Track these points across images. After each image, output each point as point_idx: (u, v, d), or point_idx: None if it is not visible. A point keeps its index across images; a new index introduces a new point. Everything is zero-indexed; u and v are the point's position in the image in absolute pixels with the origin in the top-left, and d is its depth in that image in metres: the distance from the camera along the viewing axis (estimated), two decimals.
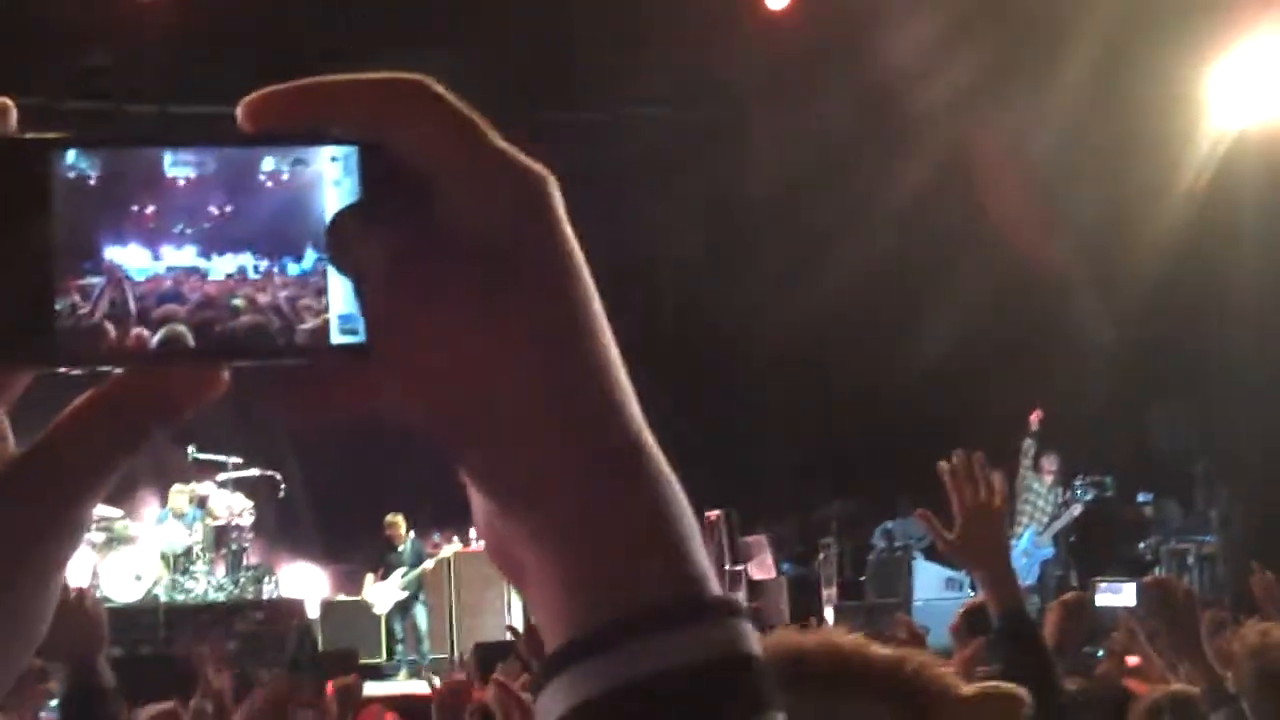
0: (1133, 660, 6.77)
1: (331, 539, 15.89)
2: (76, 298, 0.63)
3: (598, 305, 0.63)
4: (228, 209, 0.65)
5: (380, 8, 14.49)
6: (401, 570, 14.33)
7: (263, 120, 0.63)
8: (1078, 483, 14.43)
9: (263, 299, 0.64)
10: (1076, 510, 14.26)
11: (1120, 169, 14.14)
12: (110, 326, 0.63)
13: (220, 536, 14.54)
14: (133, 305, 0.63)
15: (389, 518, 14.43)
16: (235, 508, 14.57)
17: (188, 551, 14.18)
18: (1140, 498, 15.46)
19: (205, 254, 0.65)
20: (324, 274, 0.65)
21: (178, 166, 0.64)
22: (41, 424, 0.65)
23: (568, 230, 0.63)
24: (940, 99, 13.94)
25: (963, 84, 13.80)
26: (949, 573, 13.71)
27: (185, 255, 0.64)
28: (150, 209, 0.64)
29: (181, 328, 0.64)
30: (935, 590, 13.93)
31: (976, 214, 14.92)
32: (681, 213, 16.79)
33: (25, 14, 13.46)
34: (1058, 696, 3.07)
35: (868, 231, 14.70)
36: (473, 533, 14.71)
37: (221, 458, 14.62)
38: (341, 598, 15.17)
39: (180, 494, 14.29)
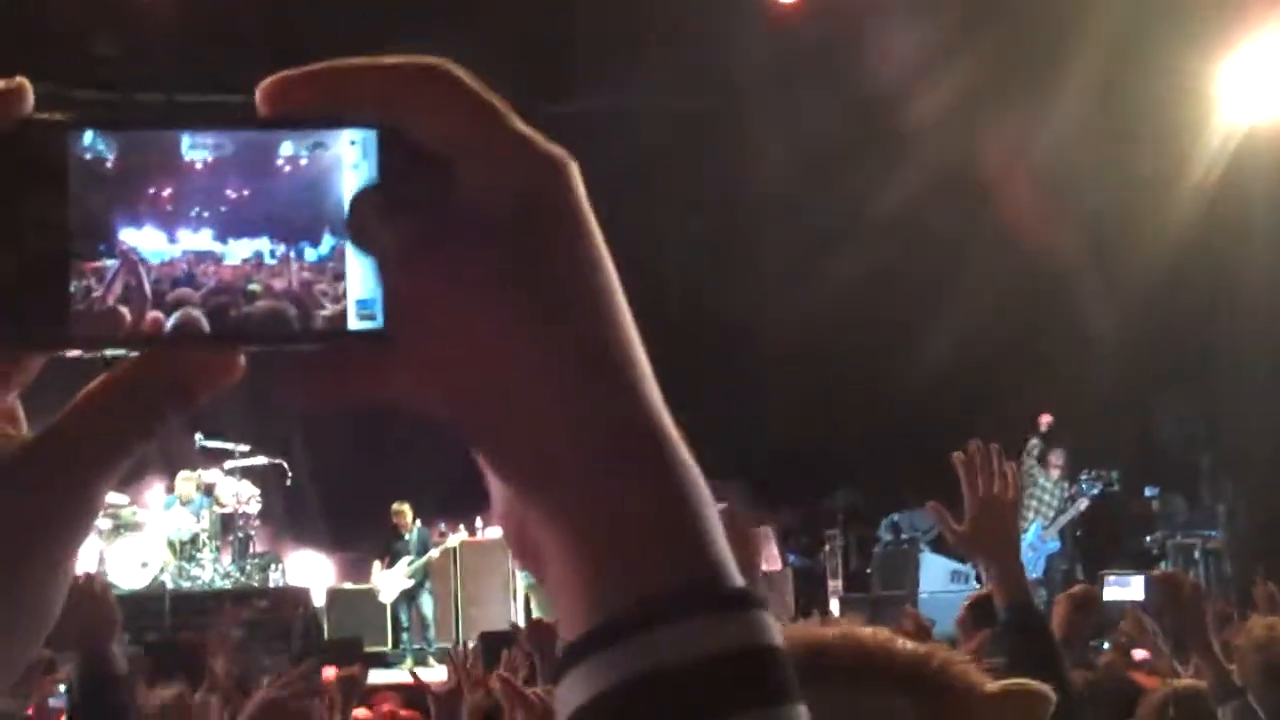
0: (1139, 654, 6.77)
1: (338, 527, 15.93)
2: (91, 280, 0.62)
3: (618, 289, 0.63)
4: (245, 193, 0.64)
5: None
6: (407, 559, 14.35)
7: (281, 103, 0.62)
8: (1083, 477, 14.42)
9: (279, 284, 0.64)
10: (1082, 504, 14.26)
11: (1130, 164, 14.13)
12: (125, 310, 0.62)
13: (227, 524, 14.59)
14: (148, 289, 0.63)
15: (395, 506, 14.46)
16: (242, 495, 14.61)
17: (194, 539, 14.22)
18: (1146, 492, 15.47)
19: (221, 238, 0.64)
20: (341, 259, 0.64)
21: (195, 149, 0.63)
22: (55, 408, 0.64)
23: (589, 214, 0.62)
24: (948, 93, 13.91)
25: (971, 79, 13.77)
26: (955, 565, 13.72)
27: (201, 239, 0.64)
28: (167, 192, 0.63)
29: (196, 312, 0.63)
30: (941, 583, 13.94)
31: (984, 208, 14.91)
32: (685, 204, 16.80)
33: (32, 3, 13.47)
34: (1065, 690, 3.07)
35: (874, 224, 14.68)
36: (479, 522, 14.85)
37: (229, 445, 14.66)
38: (347, 586, 15.20)
39: (187, 481, 14.32)
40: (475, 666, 5.28)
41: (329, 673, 7.19)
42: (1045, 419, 14.27)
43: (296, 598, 13.75)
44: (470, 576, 15.02)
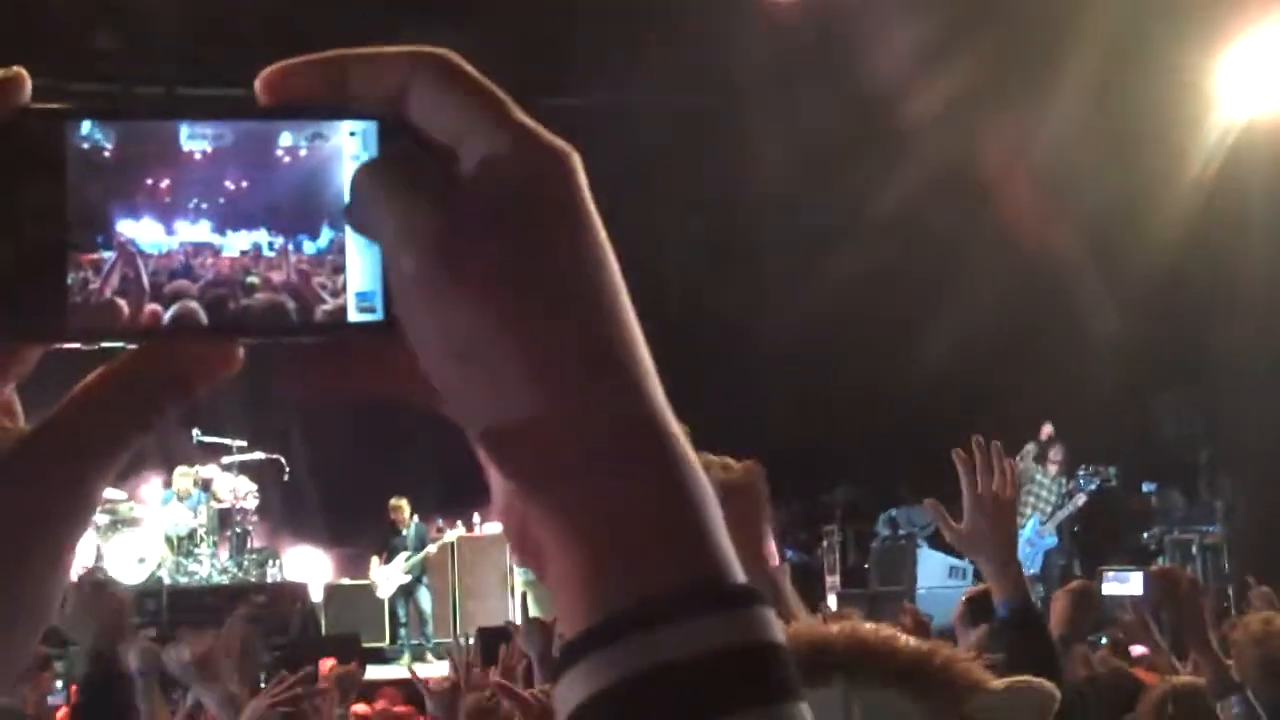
0: (1136, 649, 6.77)
1: (335, 522, 15.93)
2: (89, 272, 0.62)
3: (620, 283, 0.62)
4: (243, 184, 0.64)
5: None
6: (405, 554, 14.36)
7: (282, 92, 0.62)
8: (1081, 472, 14.41)
9: (277, 277, 0.63)
10: (1081, 500, 14.25)
11: (1128, 159, 14.11)
12: (122, 303, 0.62)
13: (224, 519, 14.58)
14: (146, 281, 0.62)
15: (393, 502, 14.46)
16: (240, 491, 14.61)
17: (192, 534, 14.22)
18: (1144, 487, 15.46)
19: (220, 230, 0.64)
20: (341, 252, 0.64)
21: (194, 140, 0.63)
22: (52, 401, 0.63)
23: (591, 207, 0.62)
24: (947, 91, 13.91)
25: (969, 77, 13.76)
26: (953, 561, 13.71)
27: (200, 231, 0.63)
28: (165, 183, 0.63)
29: (195, 304, 0.63)
30: (939, 579, 13.93)
31: (984, 205, 14.90)
32: (685, 203, 16.80)
33: None
34: (1062, 687, 3.06)
35: (873, 222, 14.68)
36: (476, 517, 14.85)
37: (226, 440, 14.65)
38: (345, 581, 15.20)
39: (185, 476, 14.32)
40: (474, 664, 5.27)
41: (327, 665, 7.20)
42: (1046, 430, 14.29)
43: (294, 593, 13.74)
44: (468, 572, 15.03)
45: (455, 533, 14.83)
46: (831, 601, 14.05)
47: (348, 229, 0.64)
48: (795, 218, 16.06)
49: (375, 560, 14.58)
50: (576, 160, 0.62)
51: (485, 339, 0.60)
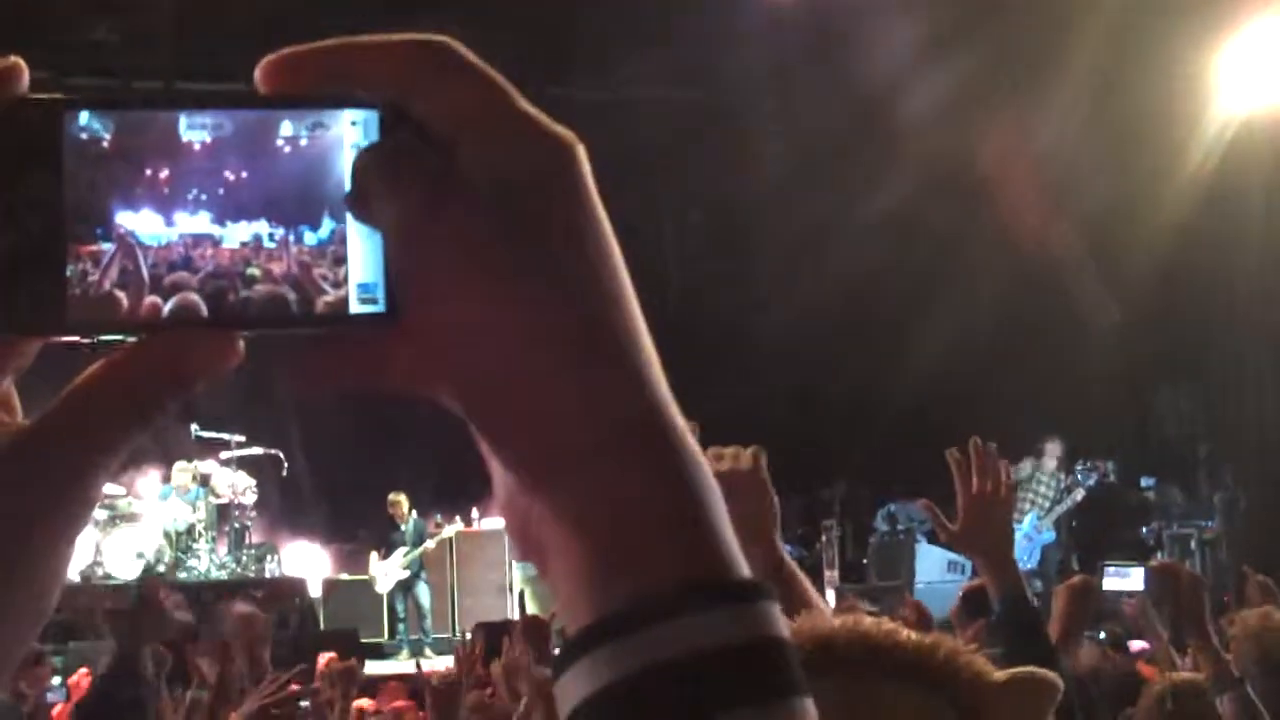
0: (1136, 645, 6.78)
1: (334, 518, 15.94)
2: (87, 264, 0.61)
3: (624, 274, 0.61)
4: (243, 174, 0.63)
5: None
6: (404, 549, 14.35)
7: (283, 80, 0.61)
8: (1080, 467, 14.43)
9: (277, 268, 0.63)
10: (1079, 495, 14.26)
11: (1127, 153, 14.11)
12: (122, 295, 0.61)
13: (223, 514, 14.59)
14: (145, 273, 0.62)
15: (391, 497, 14.46)
16: (238, 486, 14.61)
17: (190, 529, 14.22)
18: (1143, 482, 15.48)
19: (219, 221, 0.63)
20: (342, 243, 0.63)
21: (193, 130, 0.62)
22: (51, 395, 0.63)
23: (595, 197, 0.61)
24: (945, 87, 13.90)
25: (968, 73, 13.75)
26: (951, 556, 13.71)
27: (199, 222, 0.63)
28: (164, 173, 0.62)
29: (195, 296, 0.62)
30: (937, 573, 13.94)
31: (982, 201, 14.89)
32: (683, 200, 16.79)
33: None
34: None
35: (872, 219, 14.68)
36: (474, 513, 14.86)
37: (225, 436, 14.65)
38: (343, 576, 15.20)
39: (183, 472, 14.32)
40: (477, 659, 5.28)
41: (325, 659, 7.21)
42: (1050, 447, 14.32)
43: (293, 588, 13.75)
44: (466, 567, 15.03)
45: (454, 528, 14.84)
46: (830, 597, 14.04)
47: (349, 220, 0.63)
48: (794, 214, 16.05)
49: (374, 555, 14.58)
50: (581, 150, 0.61)
51: (487, 330, 0.59)
